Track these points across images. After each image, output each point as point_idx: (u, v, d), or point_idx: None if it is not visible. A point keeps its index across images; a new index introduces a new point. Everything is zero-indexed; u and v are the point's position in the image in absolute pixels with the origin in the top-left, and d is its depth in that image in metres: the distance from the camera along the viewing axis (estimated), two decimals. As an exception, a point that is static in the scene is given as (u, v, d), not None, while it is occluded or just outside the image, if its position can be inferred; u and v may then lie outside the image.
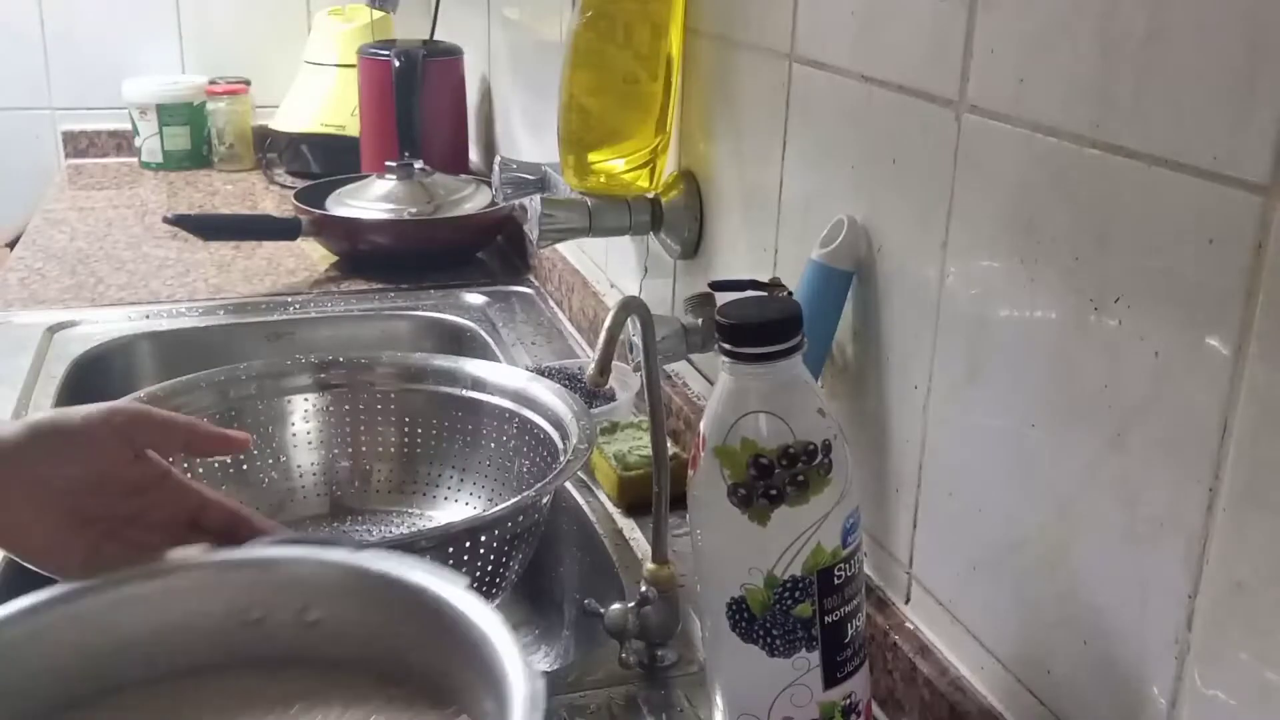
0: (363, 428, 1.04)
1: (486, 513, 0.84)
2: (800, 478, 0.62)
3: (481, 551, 0.81)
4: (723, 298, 0.76)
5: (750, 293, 0.79)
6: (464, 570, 0.80)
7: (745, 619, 0.64)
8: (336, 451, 1.04)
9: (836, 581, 0.64)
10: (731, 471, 0.62)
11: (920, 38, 0.71)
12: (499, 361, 1.27)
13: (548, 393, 0.98)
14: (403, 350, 1.29)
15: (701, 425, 0.64)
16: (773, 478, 0.62)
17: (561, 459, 0.89)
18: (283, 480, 1.02)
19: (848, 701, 0.66)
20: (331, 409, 1.03)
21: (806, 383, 0.64)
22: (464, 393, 1.03)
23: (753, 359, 0.62)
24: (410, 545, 0.80)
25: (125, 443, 0.66)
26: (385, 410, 1.04)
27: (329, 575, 0.64)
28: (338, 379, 1.04)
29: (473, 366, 1.05)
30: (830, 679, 0.65)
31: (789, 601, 0.63)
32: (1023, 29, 0.62)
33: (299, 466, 1.03)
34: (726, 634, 0.65)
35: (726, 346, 0.63)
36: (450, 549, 0.79)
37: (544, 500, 0.87)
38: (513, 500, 0.83)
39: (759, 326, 0.62)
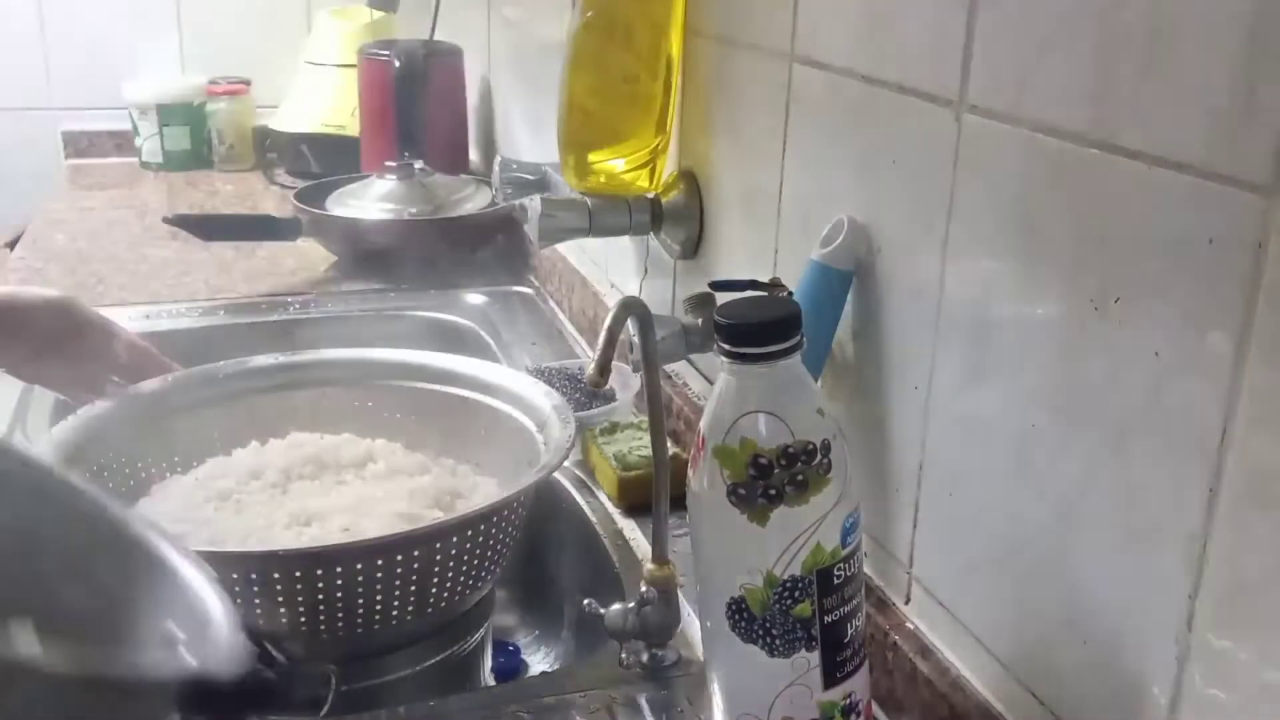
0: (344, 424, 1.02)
1: (450, 518, 0.82)
2: (799, 477, 0.62)
3: (454, 553, 0.81)
4: (723, 298, 0.76)
5: (750, 293, 0.79)
6: (434, 573, 0.80)
7: (745, 619, 0.64)
8: None
9: (836, 581, 0.64)
10: (731, 471, 0.62)
11: (920, 38, 0.71)
12: (500, 362, 1.27)
13: (532, 389, 0.97)
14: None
15: (701, 425, 0.64)
16: (772, 478, 0.62)
17: (542, 456, 0.88)
18: None
19: (848, 701, 0.66)
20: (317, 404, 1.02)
21: (805, 382, 0.64)
22: (438, 388, 1.01)
23: (751, 359, 0.62)
24: (380, 548, 0.78)
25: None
26: (361, 407, 1.02)
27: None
28: (307, 378, 1.03)
29: (446, 362, 1.03)
30: (830, 679, 0.65)
31: (788, 601, 0.63)
32: (1023, 29, 0.62)
33: None
34: (726, 634, 0.65)
35: (725, 347, 0.63)
36: (416, 552, 0.79)
37: (514, 505, 0.85)
38: (477, 509, 0.82)
39: (757, 326, 0.62)
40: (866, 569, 0.82)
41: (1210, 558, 0.52)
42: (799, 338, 0.63)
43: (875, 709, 0.77)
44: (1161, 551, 0.54)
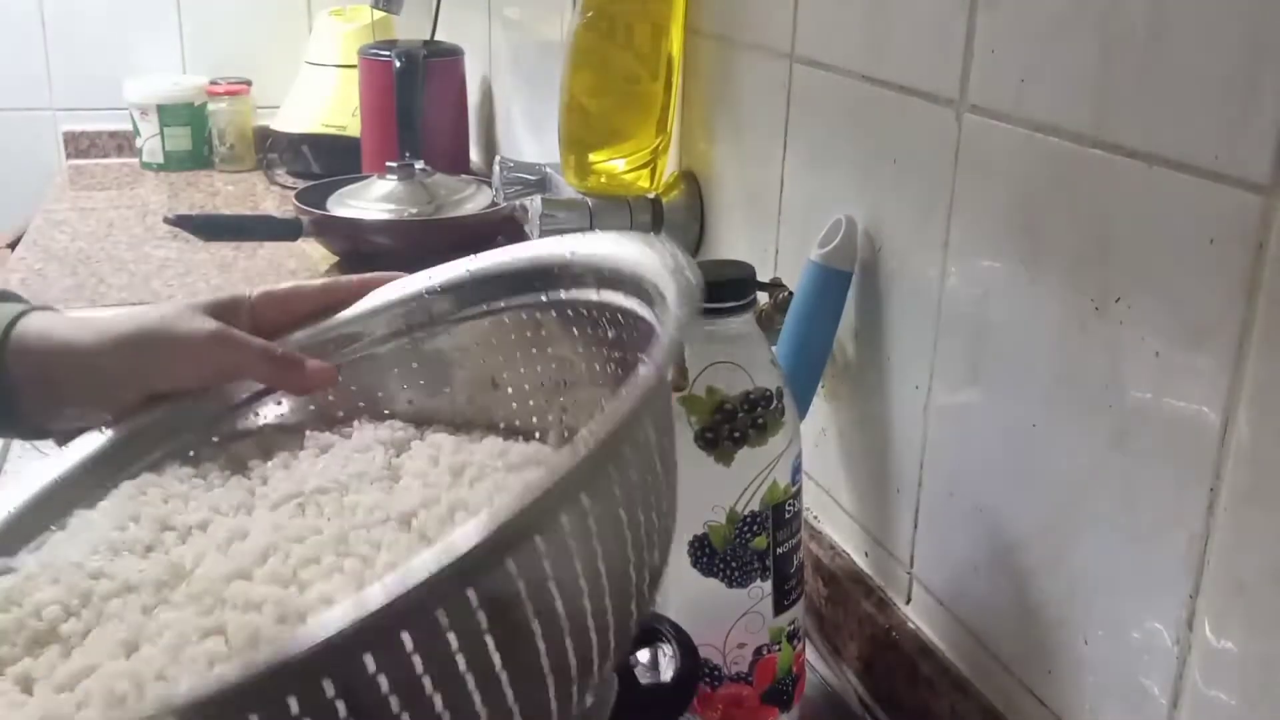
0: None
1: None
2: (760, 421, 0.68)
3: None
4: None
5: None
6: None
7: (706, 554, 0.69)
8: None
9: (787, 515, 0.70)
10: (698, 417, 0.67)
11: (921, 38, 0.71)
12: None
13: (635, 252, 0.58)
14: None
15: None
16: (736, 421, 0.67)
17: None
18: None
19: (792, 627, 0.72)
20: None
21: (759, 336, 0.70)
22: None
23: (714, 313, 0.68)
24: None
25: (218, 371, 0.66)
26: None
27: None
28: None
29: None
30: (779, 605, 0.71)
31: (748, 535, 0.69)
32: (1023, 29, 0.62)
33: None
34: (686, 571, 0.70)
35: None
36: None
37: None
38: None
39: (719, 284, 0.68)
40: (867, 569, 0.82)
41: (1210, 558, 0.52)
42: (753, 295, 0.69)
43: (877, 709, 0.77)
44: (1162, 551, 0.54)
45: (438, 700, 0.38)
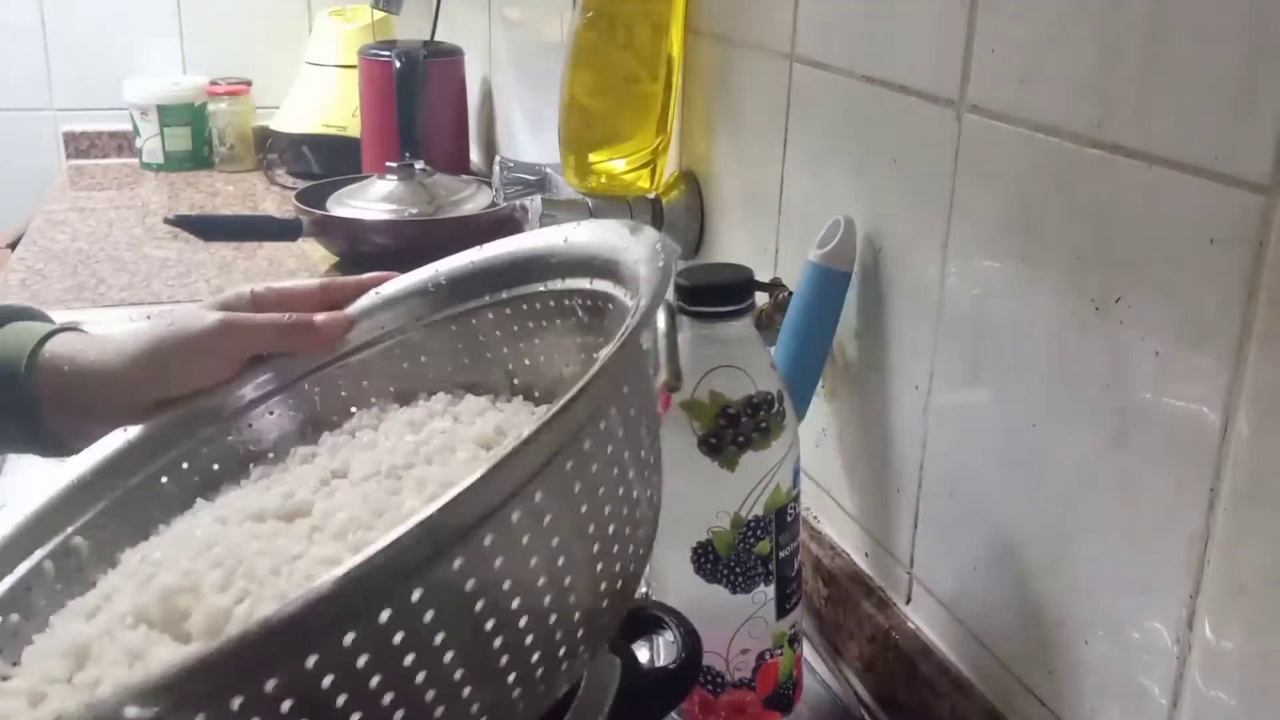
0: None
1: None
2: (763, 424, 0.67)
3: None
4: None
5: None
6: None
7: (710, 560, 0.69)
8: None
9: (789, 519, 0.70)
10: (701, 423, 0.67)
11: (921, 38, 0.71)
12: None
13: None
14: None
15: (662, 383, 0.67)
16: (740, 426, 0.67)
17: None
18: None
19: (793, 630, 0.72)
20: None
21: (758, 339, 0.70)
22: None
23: (714, 318, 0.68)
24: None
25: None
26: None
27: None
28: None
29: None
30: (781, 610, 0.71)
31: (751, 540, 0.68)
32: (1023, 29, 0.62)
33: None
34: (690, 577, 0.70)
35: (689, 307, 0.69)
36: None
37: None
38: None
39: (718, 288, 0.68)
40: (867, 569, 0.82)
41: (1210, 558, 0.52)
42: (751, 299, 0.69)
43: (878, 709, 0.77)
44: (1161, 551, 0.54)
45: (387, 697, 0.39)
